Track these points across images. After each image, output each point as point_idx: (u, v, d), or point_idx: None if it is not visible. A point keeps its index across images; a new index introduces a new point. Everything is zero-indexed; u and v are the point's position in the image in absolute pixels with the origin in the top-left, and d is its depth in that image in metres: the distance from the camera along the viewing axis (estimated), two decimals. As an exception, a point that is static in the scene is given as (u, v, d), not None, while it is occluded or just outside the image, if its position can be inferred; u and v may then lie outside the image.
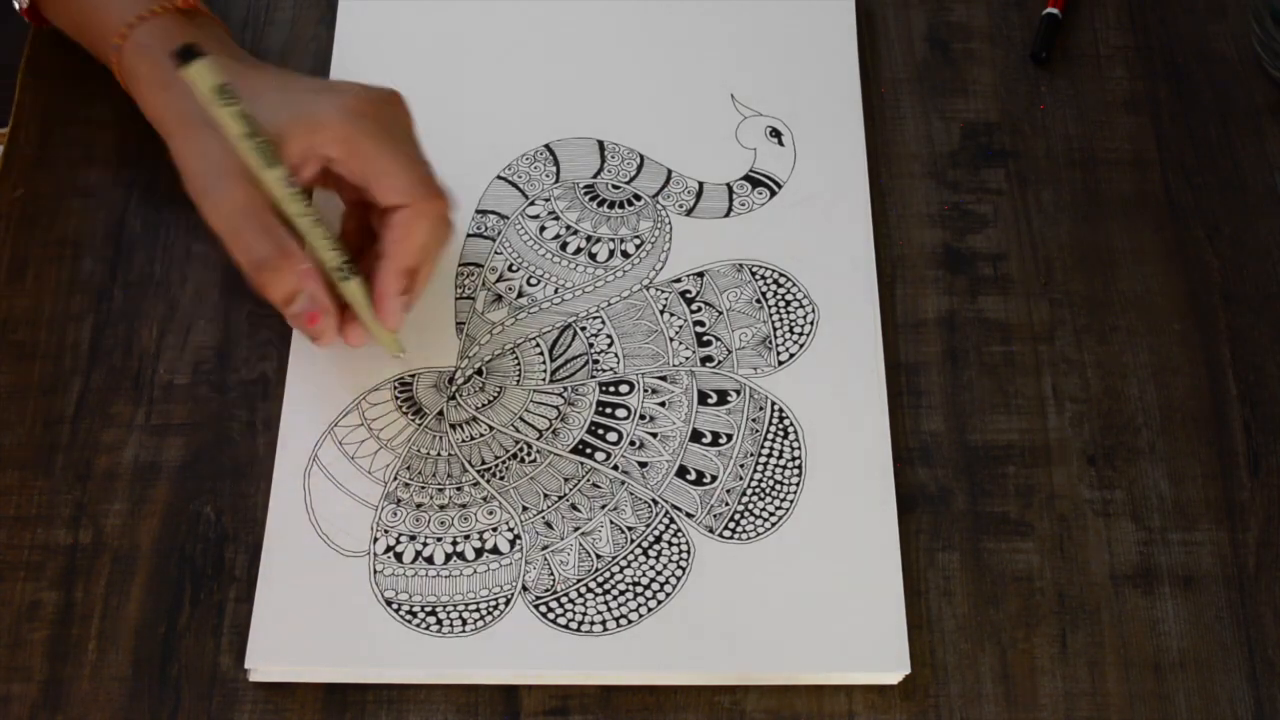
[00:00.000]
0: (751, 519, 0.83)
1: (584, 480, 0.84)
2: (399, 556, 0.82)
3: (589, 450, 0.85)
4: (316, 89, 0.84)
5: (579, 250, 0.91)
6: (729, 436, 0.85)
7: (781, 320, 0.89)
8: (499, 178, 0.93)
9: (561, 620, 0.80)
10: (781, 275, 0.90)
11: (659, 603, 0.81)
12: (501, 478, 0.84)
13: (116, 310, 0.90)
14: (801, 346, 0.88)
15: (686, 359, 0.88)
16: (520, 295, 0.89)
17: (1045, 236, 0.93)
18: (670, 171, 0.93)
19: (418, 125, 0.85)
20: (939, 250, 0.93)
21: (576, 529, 0.83)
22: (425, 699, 0.80)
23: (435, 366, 0.87)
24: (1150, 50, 1.00)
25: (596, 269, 0.90)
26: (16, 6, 0.93)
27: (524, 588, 0.81)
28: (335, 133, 0.81)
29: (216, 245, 0.82)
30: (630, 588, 0.81)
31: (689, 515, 0.83)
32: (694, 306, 0.89)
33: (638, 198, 0.92)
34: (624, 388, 0.87)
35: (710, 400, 0.86)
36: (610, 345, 0.88)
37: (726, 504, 0.83)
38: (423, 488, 0.84)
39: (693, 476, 0.84)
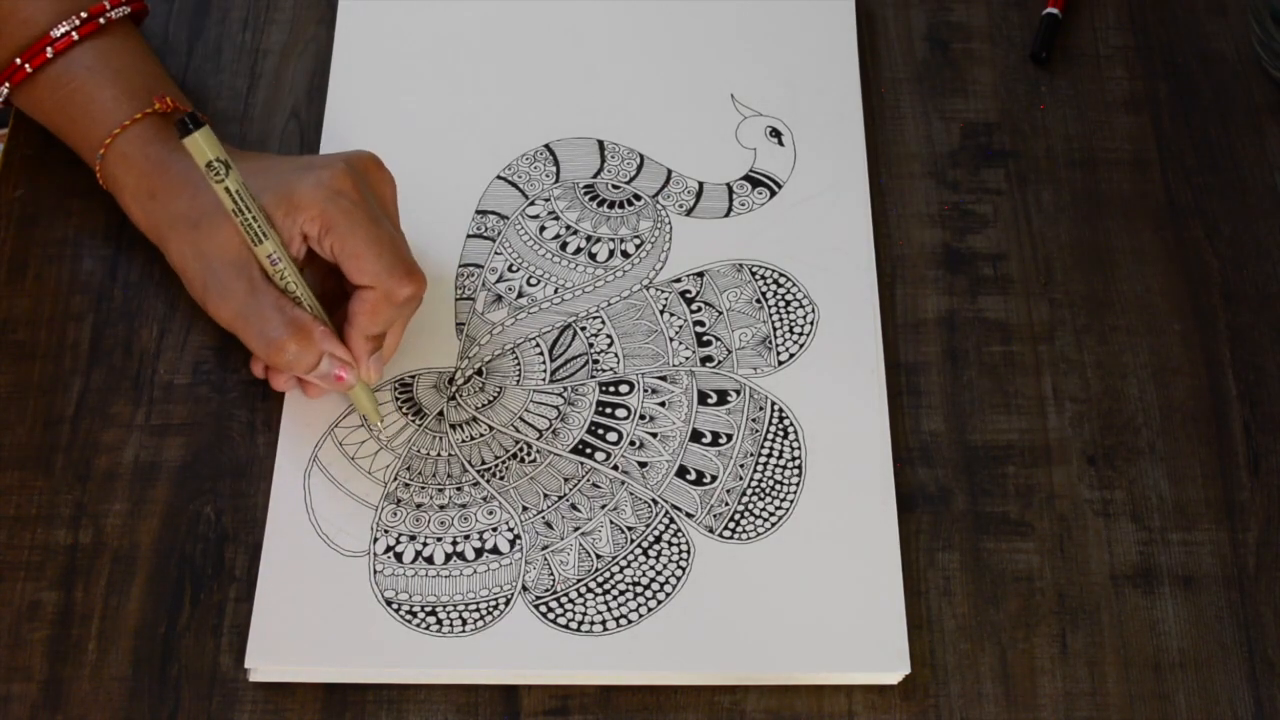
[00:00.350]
0: (751, 519, 0.83)
1: (584, 480, 0.84)
2: (399, 556, 0.82)
3: (589, 450, 0.85)
4: (297, 167, 0.84)
5: (579, 250, 0.91)
6: (729, 436, 0.85)
7: (781, 320, 0.89)
8: (499, 178, 0.93)
9: (561, 620, 0.80)
10: (781, 275, 0.90)
11: (659, 603, 0.81)
12: (501, 478, 0.84)
13: (116, 310, 0.90)
14: (801, 346, 0.88)
15: (686, 359, 0.88)
16: (520, 295, 0.89)
17: (1045, 236, 0.93)
18: (670, 171, 0.93)
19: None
20: (939, 250, 0.93)
21: (576, 529, 0.83)
22: (425, 699, 0.80)
23: (435, 367, 0.87)
24: (1150, 50, 1.00)
25: (596, 269, 0.90)
26: None
27: (524, 588, 0.81)
28: (313, 212, 0.81)
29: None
30: (630, 588, 0.81)
31: (689, 515, 0.83)
32: (694, 306, 0.89)
33: (638, 198, 0.92)
34: (624, 388, 0.87)
35: (710, 400, 0.86)
36: (610, 345, 0.88)
37: (726, 504, 0.83)
38: (423, 488, 0.84)
39: (693, 476, 0.84)
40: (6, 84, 0.88)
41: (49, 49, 0.87)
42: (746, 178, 0.93)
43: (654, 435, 0.85)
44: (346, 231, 0.81)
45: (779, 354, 0.88)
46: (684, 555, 0.82)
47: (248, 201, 0.80)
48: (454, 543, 0.82)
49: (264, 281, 0.82)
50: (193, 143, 0.78)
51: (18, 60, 0.87)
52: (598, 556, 0.82)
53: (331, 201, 0.81)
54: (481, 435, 0.85)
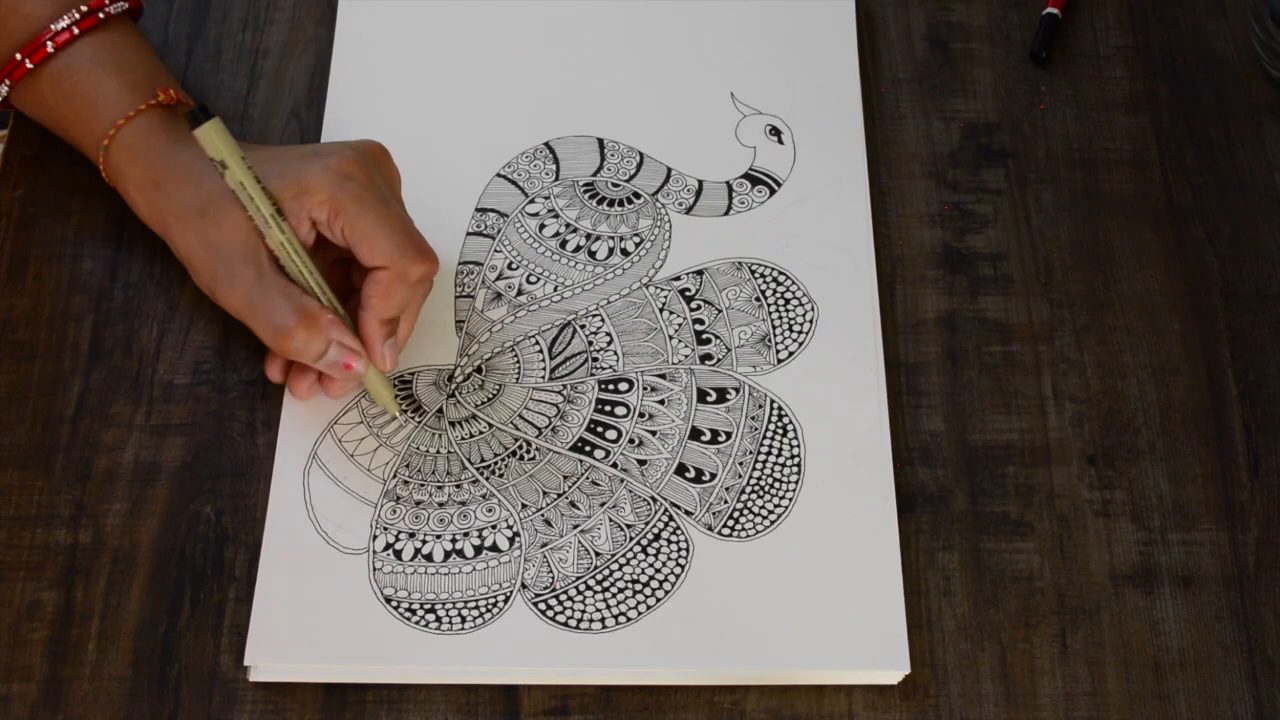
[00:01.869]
0: (751, 517, 0.83)
1: (583, 478, 0.84)
2: (398, 554, 0.82)
3: (588, 448, 0.85)
4: (305, 154, 0.84)
5: (578, 248, 0.91)
6: (728, 434, 0.85)
7: (781, 319, 0.89)
8: (499, 175, 0.93)
9: (560, 618, 0.80)
10: (781, 274, 0.90)
11: (658, 600, 0.81)
12: (501, 475, 0.84)
13: (116, 310, 0.90)
14: (801, 345, 0.88)
15: (685, 357, 0.88)
16: (520, 293, 0.89)
17: (1045, 236, 0.93)
18: (670, 169, 0.93)
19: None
20: (939, 250, 0.93)
21: (575, 526, 0.83)
22: (425, 699, 0.80)
23: (434, 364, 0.87)
24: (1150, 50, 1.00)
25: (596, 267, 0.90)
26: None
27: (523, 585, 0.81)
28: (322, 196, 0.81)
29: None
30: (629, 585, 0.81)
31: (688, 513, 0.83)
32: (693, 304, 0.89)
33: (637, 195, 0.93)
34: (623, 385, 0.87)
35: (709, 398, 0.86)
36: (609, 343, 0.88)
37: (725, 502, 0.83)
38: (422, 485, 0.84)
39: (692, 474, 0.84)
40: (7, 81, 0.88)
41: (49, 43, 0.87)
42: (746, 176, 0.93)
43: (653, 433, 0.85)
44: (357, 214, 0.81)
45: (778, 352, 0.88)
46: (683, 553, 0.82)
47: (257, 189, 0.80)
48: (453, 540, 0.82)
49: (272, 269, 0.82)
50: (204, 134, 0.78)
51: (18, 56, 0.87)
52: (597, 554, 0.82)
53: (340, 185, 0.81)
54: (481, 433, 0.85)
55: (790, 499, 0.83)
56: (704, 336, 0.88)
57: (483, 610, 0.80)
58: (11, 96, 0.90)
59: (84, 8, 0.87)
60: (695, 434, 0.85)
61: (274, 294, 0.81)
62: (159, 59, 0.90)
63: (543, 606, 0.81)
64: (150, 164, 0.86)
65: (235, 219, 0.82)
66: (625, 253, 0.91)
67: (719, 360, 0.87)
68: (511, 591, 0.81)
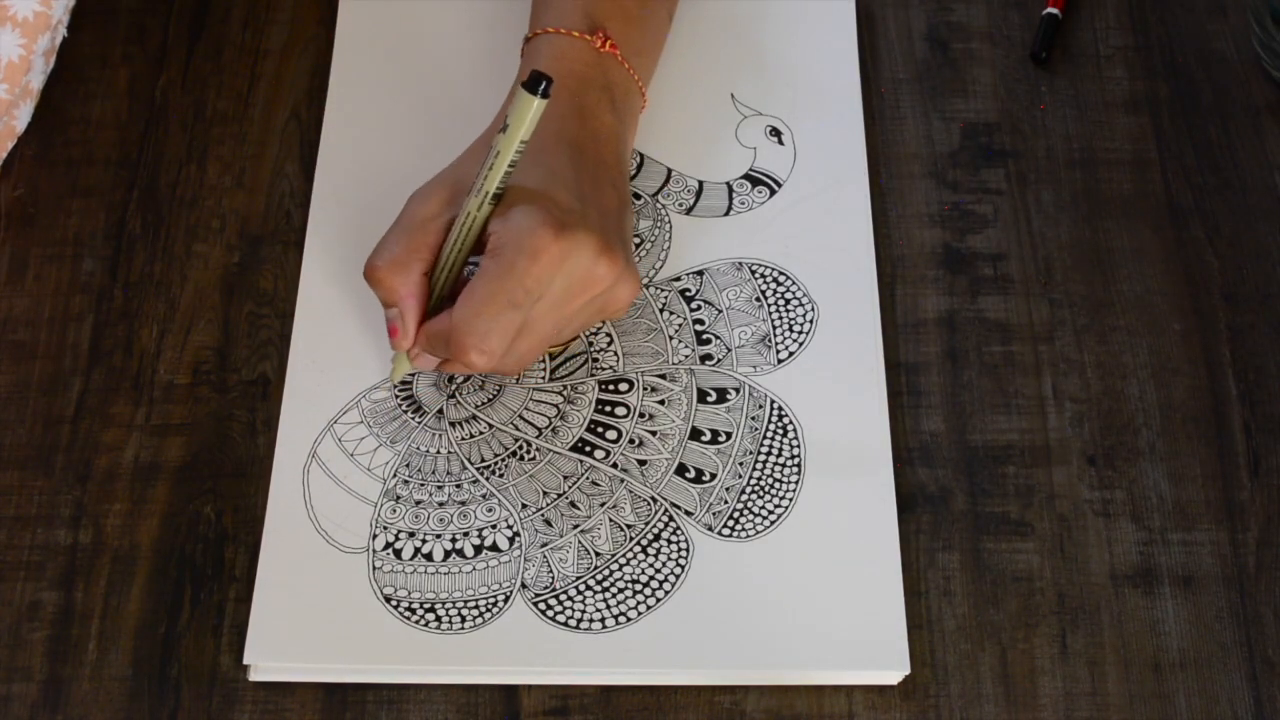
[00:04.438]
0: (751, 517, 0.83)
1: (583, 478, 0.84)
2: (398, 553, 0.82)
3: (588, 448, 0.85)
4: (563, 200, 0.80)
5: (578, 248, 0.91)
6: (728, 435, 0.85)
7: (781, 319, 0.89)
8: (499, 176, 0.93)
9: (560, 617, 0.80)
10: (781, 274, 0.90)
11: (658, 600, 0.81)
12: (501, 475, 0.84)
13: (116, 310, 0.90)
14: (801, 345, 0.88)
15: (686, 357, 0.88)
16: (520, 294, 0.89)
17: (1045, 236, 0.93)
18: (670, 170, 0.93)
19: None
20: (939, 250, 0.93)
21: (575, 526, 0.83)
22: (425, 699, 0.80)
23: (435, 365, 0.87)
24: (1150, 50, 1.00)
25: (596, 268, 0.90)
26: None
27: (523, 585, 0.81)
28: (500, 229, 0.79)
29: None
30: (629, 585, 0.81)
31: (688, 513, 0.83)
32: (693, 305, 0.89)
33: (637, 196, 0.92)
34: (623, 386, 0.87)
35: (709, 398, 0.86)
36: (609, 343, 0.88)
37: (725, 502, 0.83)
38: (422, 484, 0.84)
39: (692, 474, 0.84)
40: None
41: None
42: (746, 176, 0.93)
43: (653, 433, 0.85)
44: (486, 266, 0.78)
45: (778, 352, 0.88)
46: (683, 553, 0.82)
47: (502, 171, 0.78)
48: (453, 539, 0.82)
49: (444, 215, 0.80)
50: (525, 101, 0.76)
51: None
52: (597, 554, 0.82)
53: (511, 242, 0.78)
54: (481, 433, 0.85)
55: (790, 499, 0.83)
56: (704, 337, 0.88)
57: (483, 610, 0.80)
58: None
59: None
60: (695, 434, 0.85)
61: (412, 230, 0.81)
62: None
63: (543, 606, 0.81)
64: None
65: (473, 161, 0.81)
66: (625, 253, 0.91)
67: (719, 360, 0.87)
68: (511, 591, 0.81)
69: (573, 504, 0.83)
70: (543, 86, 0.76)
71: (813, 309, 0.89)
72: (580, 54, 0.87)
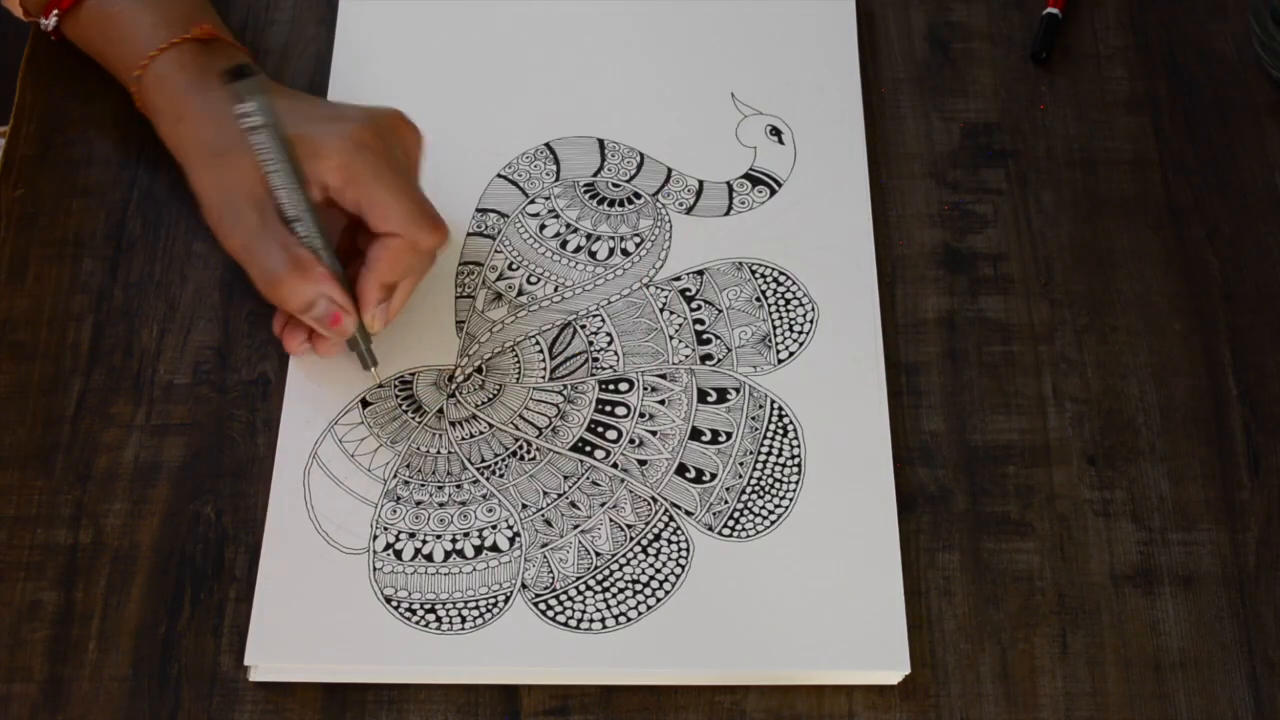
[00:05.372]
0: (751, 517, 0.83)
1: (583, 478, 0.84)
2: (398, 554, 0.82)
3: (588, 448, 0.85)
4: (324, 117, 0.85)
5: (579, 248, 0.91)
6: (728, 435, 0.85)
7: (781, 319, 0.89)
8: (499, 176, 0.93)
9: (561, 618, 0.80)
10: (781, 274, 0.90)
11: (658, 600, 0.81)
12: (501, 475, 0.84)
13: (116, 310, 0.90)
14: (801, 345, 0.88)
15: (686, 357, 0.88)
16: (520, 293, 0.89)
17: (1045, 236, 0.93)
18: (670, 170, 0.93)
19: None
20: (939, 250, 0.93)
21: (576, 526, 0.83)
22: (425, 699, 0.80)
23: (435, 364, 0.87)
24: (1150, 50, 1.00)
25: (596, 267, 0.90)
26: (43, 27, 0.94)
27: (523, 585, 0.81)
28: (336, 161, 0.83)
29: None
30: (629, 585, 0.81)
31: (688, 513, 0.83)
32: (694, 305, 0.89)
33: (638, 196, 0.93)
34: (623, 386, 0.87)
35: (710, 398, 0.86)
36: (610, 343, 0.88)
37: (726, 502, 0.83)
38: (422, 485, 0.84)
39: (692, 474, 0.84)
40: (56, 11, 0.92)
41: None
42: (747, 176, 0.93)
43: (653, 433, 0.85)
44: (371, 182, 0.83)
45: (778, 352, 0.88)
46: (683, 553, 0.82)
47: (279, 156, 0.81)
48: (453, 540, 0.82)
49: (276, 219, 0.83)
50: (235, 91, 0.80)
51: None
52: (597, 554, 0.82)
53: (355, 154, 0.83)
54: (481, 433, 0.85)
55: (790, 499, 0.83)
56: (704, 336, 0.88)
57: (483, 610, 0.80)
58: (62, 26, 0.93)
59: None
60: (696, 434, 0.85)
61: (272, 241, 0.82)
62: None
63: (543, 606, 0.81)
64: (177, 97, 0.88)
65: (247, 163, 0.82)
66: (626, 253, 0.91)
67: (719, 360, 0.87)
68: (512, 591, 0.81)
69: (573, 504, 0.83)
70: (239, 74, 0.80)
71: (813, 309, 0.89)
72: (194, 52, 0.89)
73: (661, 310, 0.89)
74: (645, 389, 0.87)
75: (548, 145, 0.94)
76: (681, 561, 0.82)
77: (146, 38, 0.89)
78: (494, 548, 0.82)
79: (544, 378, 0.87)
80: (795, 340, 0.88)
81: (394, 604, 0.80)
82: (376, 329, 0.84)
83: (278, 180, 0.81)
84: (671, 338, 0.88)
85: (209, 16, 0.91)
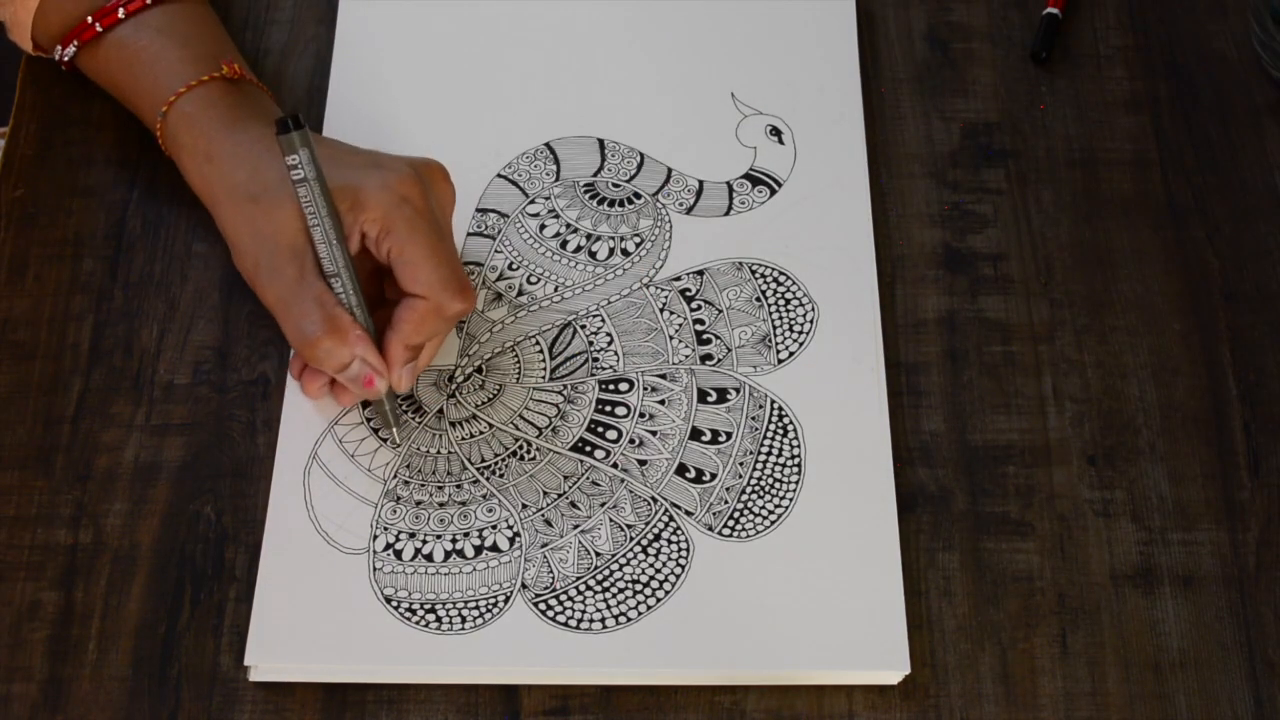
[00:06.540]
0: (751, 517, 0.83)
1: (583, 478, 0.84)
2: (398, 554, 0.82)
3: (588, 448, 0.85)
4: (365, 164, 0.84)
5: (579, 248, 0.91)
6: (728, 435, 0.85)
7: (781, 319, 0.89)
8: (499, 176, 0.93)
9: (561, 618, 0.80)
10: (781, 274, 0.90)
11: (658, 600, 0.81)
12: (501, 475, 0.84)
13: (116, 310, 0.90)
14: (801, 345, 0.88)
15: (686, 357, 0.88)
16: (520, 293, 0.89)
17: (1045, 236, 0.93)
18: (670, 170, 0.93)
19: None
20: (939, 250, 0.93)
21: (576, 527, 0.83)
22: (425, 699, 0.80)
23: (435, 365, 0.87)
24: (1150, 50, 1.00)
25: (596, 267, 0.90)
26: (56, 59, 0.92)
27: (523, 585, 0.81)
28: (377, 214, 0.82)
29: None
30: (629, 585, 0.81)
31: (688, 513, 0.83)
32: (694, 305, 0.89)
33: (638, 196, 0.93)
34: (623, 386, 0.87)
35: (710, 398, 0.86)
36: (610, 343, 0.88)
37: (726, 502, 0.83)
38: (422, 485, 0.84)
39: (692, 474, 0.84)
40: (75, 43, 0.90)
41: (121, 10, 0.88)
42: (747, 176, 0.93)
43: (653, 433, 0.85)
44: (407, 238, 0.81)
45: (778, 352, 0.88)
46: (683, 553, 0.82)
47: (323, 211, 0.80)
48: (453, 540, 0.82)
49: (314, 272, 0.82)
50: (288, 142, 0.79)
51: (89, 19, 0.89)
52: (597, 554, 0.82)
53: (396, 207, 0.82)
54: (481, 433, 0.86)
55: (790, 499, 0.84)
56: (704, 337, 0.88)
57: (483, 610, 0.80)
58: (78, 59, 0.91)
59: None
60: (696, 434, 0.85)
61: (309, 299, 0.81)
62: (227, 35, 0.91)
63: (543, 607, 0.81)
64: (206, 136, 0.86)
65: (288, 213, 0.82)
66: (626, 253, 0.91)
67: (719, 360, 0.87)
68: (512, 591, 0.81)
69: (573, 504, 0.83)
70: (291, 125, 0.79)
71: (813, 309, 0.89)
72: (222, 91, 0.88)
73: (661, 310, 0.89)
74: (645, 389, 0.87)
75: (548, 145, 0.94)
76: (681, 562, 0.82)
77: (175, 74, 0.87)
78: (494, 548, 0.82)
79: (544, 378, 0.87)
80: (795, 340, 0.88)
81: (394, 604, 0.80)
82: (403, 390, 0.84)
83: (319, 235, 0.81)
84: (671, 338, 0.88)
85: (236, 55, 0.90)
